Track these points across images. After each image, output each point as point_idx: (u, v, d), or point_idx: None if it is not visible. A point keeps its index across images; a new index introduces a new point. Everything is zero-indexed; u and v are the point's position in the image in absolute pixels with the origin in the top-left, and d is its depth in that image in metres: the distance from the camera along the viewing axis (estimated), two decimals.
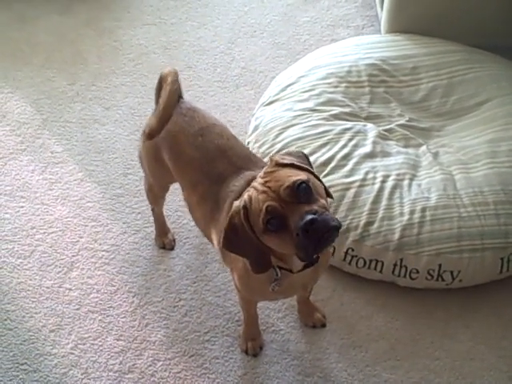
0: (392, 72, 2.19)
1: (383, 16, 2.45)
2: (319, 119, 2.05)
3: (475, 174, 1.89)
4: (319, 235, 1.21)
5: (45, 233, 1.99)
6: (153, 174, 1.74)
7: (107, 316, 1.79)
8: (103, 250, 1.93)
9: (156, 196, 1.84)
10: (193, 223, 1.91)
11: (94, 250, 1.94)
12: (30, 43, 2.68)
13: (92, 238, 1.97)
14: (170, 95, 1.55)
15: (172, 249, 1.95)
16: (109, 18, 2.80)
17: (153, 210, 1.92)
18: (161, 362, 1.70)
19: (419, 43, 2.30)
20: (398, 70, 2.20)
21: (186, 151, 1.56)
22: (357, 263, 1.79)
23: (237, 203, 1.30)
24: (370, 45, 2.30)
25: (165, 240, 1.95)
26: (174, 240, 1.96)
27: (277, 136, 2.02)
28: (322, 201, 1.26)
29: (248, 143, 2.09)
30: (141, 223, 1.99)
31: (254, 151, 2.04)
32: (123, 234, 1.98)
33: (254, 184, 1.30)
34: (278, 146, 1.98)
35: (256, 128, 2.09)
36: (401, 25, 2.38)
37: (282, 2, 2.85)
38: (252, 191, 1.28)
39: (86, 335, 1.75)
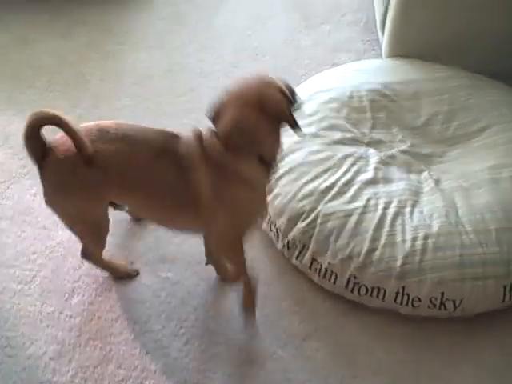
0: (393, 97, 2.20)
1: (384, 41, 2.46)
2: (321, 144, 2.05)
3: (477, 200, 1.89)
4: None
5: (46, 258, 1.99)
6: (90, 214, 1.68)
7: (108, 344, 1.78)
8: (104, 276, 1.93)
9: (102, 239, 1.79)
10: (195, 248, 1.92)
11: (96, 276, 1.93)
12: (33, 66, 2.69)
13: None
14: (74, 126, 1.52)
15: (137, 273, 1.93)
16: (111, 41, 2.82)
17: (90, 257, 1.85)
18: None
19: (420, 68, 2.32)
20: (399, 95, 2.21)
21: (108, 157, 1.55)
22: (359, 291, 1.78)
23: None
24: (372, 70, 2.32)
25: (127, 271, 1.93)
26: (131, 263, 1.94)
27: (279, 161, 2.02)
28: None
29: None
30: (142, 250, 1.99)
31: None
32: (125, 259, 1.97)
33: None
34: (281, 171, 1.99)
35: None
36: (402, 50, 2.40)
37: (283, 26, 2.87)
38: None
39: (87, 363, 1.74)
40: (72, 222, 1.72)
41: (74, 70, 2.68)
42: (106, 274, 1.93)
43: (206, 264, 1.90)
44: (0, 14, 3.00)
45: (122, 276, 1.92)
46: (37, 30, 2.88)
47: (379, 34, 2.63)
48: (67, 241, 2.02)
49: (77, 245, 2.00)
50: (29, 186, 2.20)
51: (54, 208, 1.68)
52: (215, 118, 1.54)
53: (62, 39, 2.82)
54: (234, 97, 1.52)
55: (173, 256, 1.98)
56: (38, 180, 2.21)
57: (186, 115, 2.45)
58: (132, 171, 1.56)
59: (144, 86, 2.58)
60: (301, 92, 2.26)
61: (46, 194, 1.65)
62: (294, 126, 1.53)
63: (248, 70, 2.63)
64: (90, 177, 1.56)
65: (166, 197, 1.58)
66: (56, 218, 2.06)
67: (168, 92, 2.56)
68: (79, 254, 1.99)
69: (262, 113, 1.49)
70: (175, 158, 1.55)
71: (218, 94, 1.55)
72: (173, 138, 1.58)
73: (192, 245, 2.00)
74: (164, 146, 1.56)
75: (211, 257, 1.88)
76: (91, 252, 1.83)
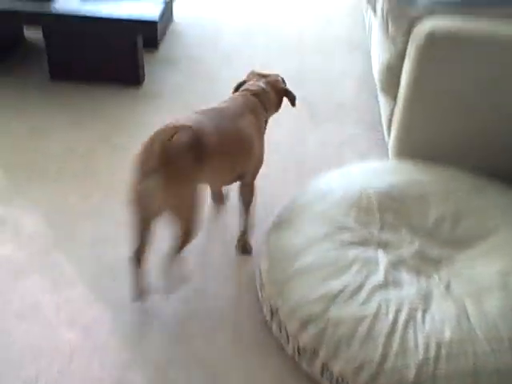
0: (401, 198, 2.23)
1: (391, 142, 2.53)
2: (330, 246, 2.06)
3: (488, 307, 1.88)
4: None
5: (52, 357, 1.94)
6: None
7: None
8: (111, 380, 1.88)
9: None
10: (204, 350, 1.89)
11: (102, 379, 1.88)
12: (43, 156, 2.74)
13: (100, 364, 1.92)
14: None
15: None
16: (120, 133, 2.88)
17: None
18: None
19: (425, 170, 2.37)
20: (406, 196, 2.24)
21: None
22: None
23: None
24: (379, 171, 2.36)
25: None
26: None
27: (289, 262, 2.03)
28: None
29: (260, 268, 2.10)
30: (152, 353, 1.95)
31: (264, 278, 2.05)
32: (133, 361, 1.94)
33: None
34: (291, 272, 1.99)
35: (268, 253, 2.10)
36: (408, 151, 2.46)
37: (290, 124, 2.95)
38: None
39: None
40: (190, 211, 1.92)
41: (84, 161, 2.72)
42: (111, 376, 1.89)
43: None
44: (12, 101, 3.09)
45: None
46: (48, 120, 2.95)
47: (385, 132, 2.70)
48: (74, 340, 1.99)
49: (83, 345, 1.98)
50: (36, 281, 2.18)
51: (180, 198, 1.87)
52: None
53: (72, 130, 2.89)
54: (255, 75, 2.33)
55: (182, 356, 1.95)
56: (46, 276, 2.25)
57: None
58: (223, 141, 1.98)
59: None
60: (310, 192, 2.31)
61: (172, 188, 1.82)
62: (292, 99, 2.33)
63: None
64: (201, 156, 1.87)
65: (240, 155, 2.09)
66: (63, 316, 2.07)
67: None
68: (86, 353, 1.96)
69: (274, 90, 2.28)
70: (246, 123, 2.10)
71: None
72: (240, 115, 2.11)
73: (200, 345, 1.98)
74: (238, 118, 2.10)
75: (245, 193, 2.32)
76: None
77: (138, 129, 2.92)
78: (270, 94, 2.26)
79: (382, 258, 2.04)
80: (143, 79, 3.25)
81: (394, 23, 2.35)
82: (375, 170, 2.37)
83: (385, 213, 2.20)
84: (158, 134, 1.87)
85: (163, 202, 1.82)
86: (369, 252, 2.06)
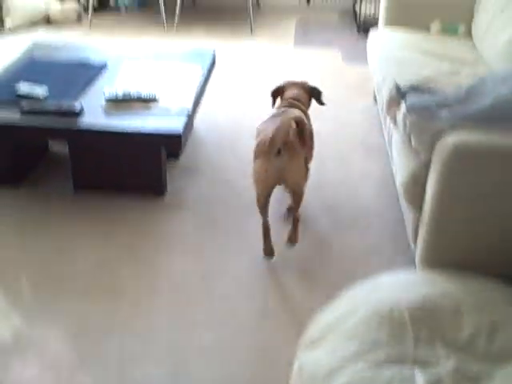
0: (433, 312, 2.18)
1: (417, 252, 2.51)
2: (364, 365, 1.99)
3: None
4: None
5: None
6: None
7: None
8: None
9: None
10: None
11: None
12: (69, 272, 2.73)
13: None
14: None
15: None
16: (146, 244, 2.89)
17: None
18: None
19: (457, 280, 2.32)
20: (439, 309, 2.19)
21: None
22: None
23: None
24: (409, 282, 2.32)
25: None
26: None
27: (323, 382, 1.96)
28: None
29: None
30: None
31: None
32: None
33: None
34: None
35: (299, 375, 2.04)
36: (437, 260, 2.43)
37: (313, 230, 2.95)
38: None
39: None
40: (302, 179, 2.80)
41: (110, 275, 2.71)
42: None
43: None
44: (37, 215, 3.12)
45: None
46: (73, 233, 2.97)
47: (410, 240, 2.69)
48: None
49: None
50: None
51: (298, 171, 2.71)
52: (280, 92, 3.12)
53: (97, 242, 2.90)
54: (290, 84, 3.13)
55: None
56: None
57: (222, 324, 2.44)
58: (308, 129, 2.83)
59: (181, 293, 2.60)
60: (338, 308, 2.27)
61: (293, 164, 2.65)
62: (320, 100, 3.16)
63: (279, 276, 2.66)
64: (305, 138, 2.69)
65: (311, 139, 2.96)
66: None
67: (203, 301, 2.56)
68: None
69: (305, 91, 3.10)
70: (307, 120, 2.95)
71: (280, 82, 3.14)
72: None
73: None
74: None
75: None
76: None
77: (163, 240, 2.93)
78: (302, 94, 3.06)
79: (419, 378, 1.96)
80: (166, 189, 3.30)
81: (416, 137, 2.39)
82: (405, 282, 2.33)
83: (418, 327, 2.14)
84: (278, 128, 2.54)
85: (286, 174, 2.61)
86: (404, 371, 1.99)
